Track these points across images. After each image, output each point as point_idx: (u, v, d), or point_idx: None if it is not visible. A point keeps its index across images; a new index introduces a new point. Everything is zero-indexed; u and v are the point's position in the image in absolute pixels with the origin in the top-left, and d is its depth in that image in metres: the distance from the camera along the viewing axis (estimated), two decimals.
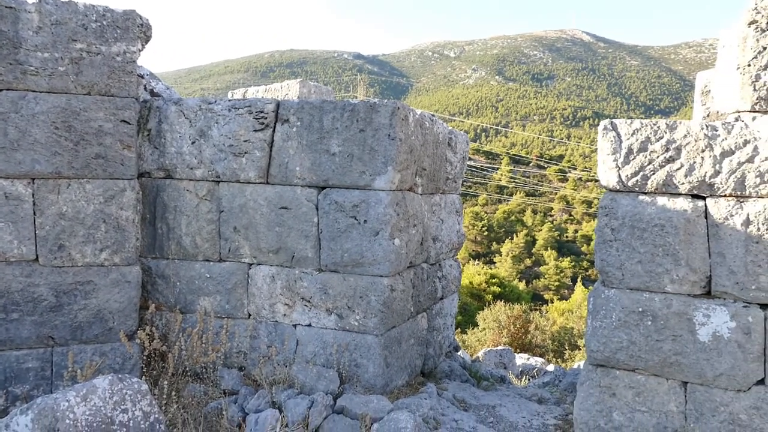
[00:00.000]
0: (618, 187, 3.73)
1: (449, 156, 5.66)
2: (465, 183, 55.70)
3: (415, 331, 5.09)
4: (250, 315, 4.84)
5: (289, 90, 6.68)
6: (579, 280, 34.24)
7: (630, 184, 3.68)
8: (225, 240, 4.83)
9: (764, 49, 3.40)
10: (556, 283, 38.07)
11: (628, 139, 3.67)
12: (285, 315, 4.74)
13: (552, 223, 49.85)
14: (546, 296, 34.02)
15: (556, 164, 62.38)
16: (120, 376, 3.18)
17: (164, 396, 3.91)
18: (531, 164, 64.06)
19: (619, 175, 3.70)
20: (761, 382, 3.47)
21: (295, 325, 4.73)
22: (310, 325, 4.67)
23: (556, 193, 55.23)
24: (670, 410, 3.65)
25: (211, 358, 4.45)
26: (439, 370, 5.58)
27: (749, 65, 3.44)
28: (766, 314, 3.44)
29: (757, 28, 3.42)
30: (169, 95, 5.39)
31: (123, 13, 4.51)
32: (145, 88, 5.23)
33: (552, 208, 53.63)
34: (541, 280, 39.40)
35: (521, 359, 10.84)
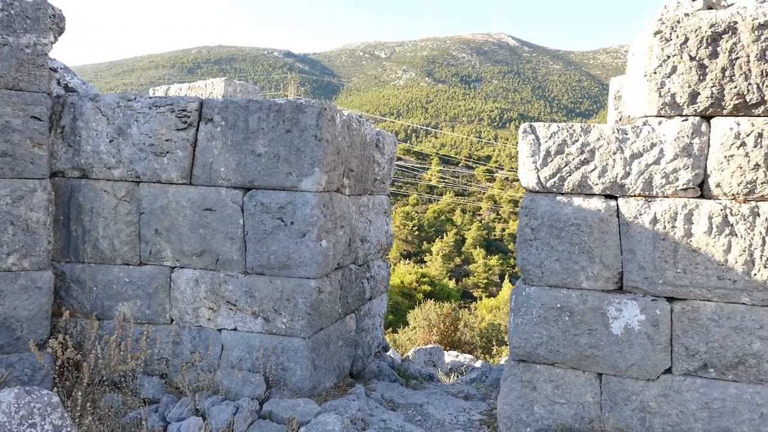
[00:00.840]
0: (537, 188, 3.87)
1: (377, 157, 5.68)
2: (396, 183, 56.21)
3: (344, 332, 5.08)
4: (172, 320, 4.69)
5: (214, 88, 6.50)
6: (507, 277, 35.28)
7: (548, 185, 3.83)
8: (146, 243, 4.65)
9: (668, 57, 3.61)
10: (485, 281, 39.06)
11: (546, 141, 3.81)
12: (209, 319, 4.62)
13: (480, 222, 51.05)
14: (475, 294, 34.82)
15: (484, 164, 63.96)
16: (28, 388, 3.00)
17: (78, 408, 3.72)
18: (460, 164, 65.39)
19: (538, 177, 3.84)
20: (668, 371, 3.69)
21: (220, 330, 4.61)
22: (235, 329, 4.57)
23: (484, 193, 56.61)
24: (586, 401, 3.82)
25: (130, 366, 4.27)
26: (368, 371, 5.59)
27: (655, 73, 3.64)
28: (673, 307, 3.65)
29: (662, 38, 3.62)
30: (85, 90, 5.14)
31: (33, 2, 4.26)
32: (59, 83, 4.95)
33: (480, 208, 54.94)
34: (471, 278, 40.31)
35: (450, 357, 11.03)
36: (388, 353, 7.49)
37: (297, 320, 4.41)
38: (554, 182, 3.81)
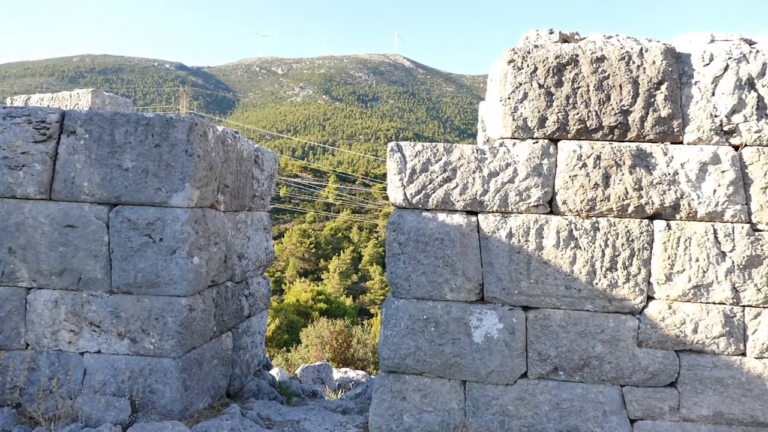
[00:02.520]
0: (404, 205, 4.03)
1: (256, 173, 5.66)
2: (293, 200, 55.71)
3: (219, 351, 4.97)
4: (28, 345, 4.38)
5: (80, 99, 6.16)
6: None
7: (414, 201, 4.00)
8: None
9: (520, 84, 3.91)
10: (381, 297, 39.47)
11: (412, 160, 3.99)
12: (70, 342, 4.36)
13: (377, 239, 51.67)
14: (372, 310, 35.07)
15: (381, 182, 64.99)
16: None
17: None
18: (357, 182, 65.98)
19: (405, 194, 4.00)
20: (524, 375, 3.94)
21: (82, 353, 4.36)
22: (99, 352, 4.35)
23: (380, 210, 57.44)
24: (452, 408, 3.99)
25: None
26: (246, 390, 5.50)
27: (509, 98, 3.93)
28: (527, 315, 3.93)
29: (514, 66, 3.93)
30: None
31: None
32: None
33: (377, 225, 55.64)
34: (367, 294, 40.60)
35: (339, 373, 11.04)
36: (274, 371, 7.40)
37: (166, 340, 4.27)
38: (420, 199, 3.99)
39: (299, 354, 16.54)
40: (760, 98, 3.77)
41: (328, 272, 41.81)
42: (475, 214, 3.99)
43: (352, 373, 11.51)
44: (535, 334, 3.90)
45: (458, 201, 3.96)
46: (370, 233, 53.69)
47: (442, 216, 3.98)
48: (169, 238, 4.25)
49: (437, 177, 3.97)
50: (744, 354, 3.78)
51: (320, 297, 26.24)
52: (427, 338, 3.97)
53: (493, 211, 3.95)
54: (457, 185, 3.95)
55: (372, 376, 10.51)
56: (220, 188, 4.81)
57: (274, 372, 7.41)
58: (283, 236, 46.45)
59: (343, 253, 44.62)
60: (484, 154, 3.95)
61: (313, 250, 46.03)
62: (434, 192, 3.97)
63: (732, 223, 3.78)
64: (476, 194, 3.94)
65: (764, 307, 3.76)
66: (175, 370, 4.28)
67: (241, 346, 5.47)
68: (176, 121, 4.29)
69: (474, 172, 3.94)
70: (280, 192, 53.84)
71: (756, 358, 3.76)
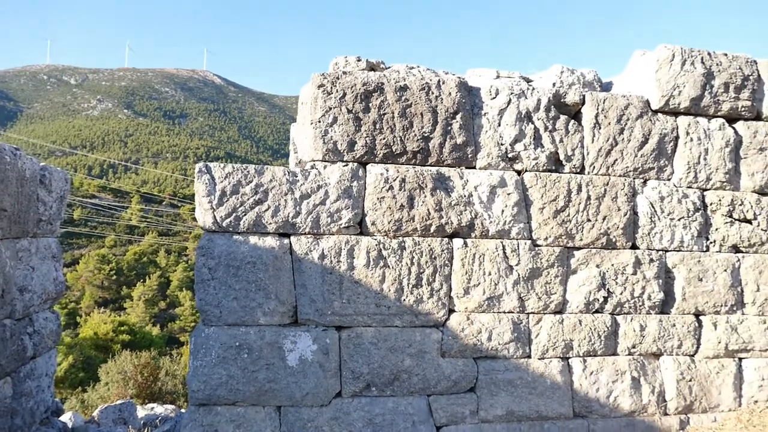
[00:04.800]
0: (214, 228, 3.87)
1: (42, 195, 5.04)
2: (89, 223, 50.66)
3: None
4: None
5: None
6: None
7: (225, 224, 3.86)
8: None
9: (330, 109, 4.01)
10: (192, 324, 37.36)
11: (222, 182, 3.86)
12: None
13: (187, 262, 49.02)
14: (182, 338, 33.04)
15: (190, 203, 61.96)
16: None
17: None
18: (164, 203, 62.17)
19: (215, 216, 3.85)
20: (339, 394, 3.99)
21: None
22: None
23: (190, 232, 54.68)
24: None
25: None
26: None
27: (320, 121, 4.01)
28: (341, 335, 3.99)
29: (324, 90, 4.02)
30: None
31: None
32: None
33: (187, 248, 52.84)
34: (177, 322, 38.20)
35: (145, 410, 10.19)
36: (66, 417, 6.59)
37: None
38: (230, 221, 3.86)
39: (98, 393, 14.96)
40: (536, 130, 4.31)
41: (132, 300, 38.62)
42: (288, 236, 3.97)
43: (160, 409, 10.70)
44: (348, 353, 3.97)
45: (270, 223, 3.91)
46: (179, 256, 50.77)
47: (254, 239, 3.90)
48: None
49: (248, 199, 3.89)
50: (529, 356, 4.24)
51: (122, 328, 24.10)
52: (240, 366, 3.83)
53: (305, 233, 3.97)
54: (269, 207, 3.91)
55: (182, 410, 9.88)
56: None
57: (66, 417, 6.60)
58: (78, 263, 42.00)
59: (149, 278, 41.56)
60: (296, 177, 3.97)
61: (114, 277, 42.21)
62: (245, 214, 3.88)
63: (517, 239, 4.24)
64: (288, 216, 3.93)
65: (544, 313, 4.26)
66: None
67: (23, 392, 4.78)
68: None
69: (286, 194, 3.93)
70: (73, 214, 48.65)
71: (539, 358, 4.24)
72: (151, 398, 14.19)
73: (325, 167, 4.03)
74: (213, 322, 3.86)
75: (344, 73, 4.09)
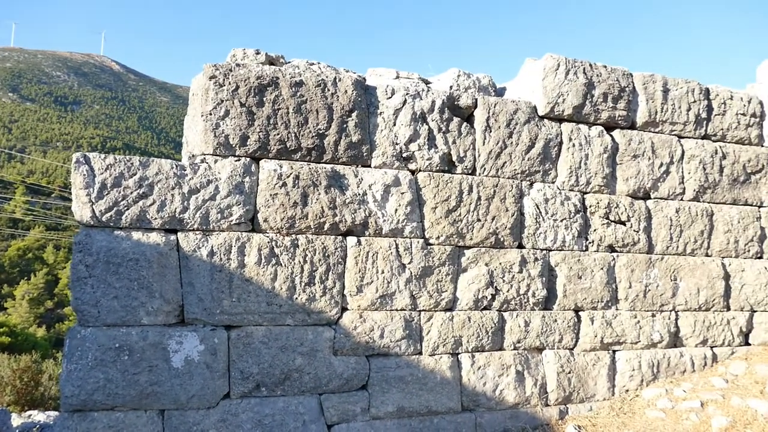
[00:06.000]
0: (93, 223, 3.64)
1: None
2: None
3: None
4: None
5: None
6: None
7: (105, 219, 3.65)
8: None
9: (222, 101, 3.89)
10: None
11: (102, 174, 3.64)
12: None
13: None
14: None
15: None
16: None
17: None
18: (53, 195, 58.01)
19: (93, 210, 3.62)
20: (227, 396, 3.88)
21: None
22: None
23: None
24: None
25: None
26: None
27: (211, 114, 3.87)
28: (230, 335, 3.88)
29: (216, 82, 3.89)
30: None
31: None
32: None
33: None
34: (66, 322, 35.75)
35: (22, 418, 9.47)
36: None
37: None
38: (111, 216, 3.65)
39: None
40: (430, 131, 4.40)
41: (14, 300, 35.78)
42: (175, 232, 3.81)
43: (41, 416, 9.99)
44: (237, 352, 3.87)
45: (156, 218, 3.73)
46: (70, 253, 47.63)
47: (137, 235, 3.70)
48: None
49: (132, 193, 3.69)
50: (421, 353, 4.32)
51: (2, 330, 22.30)
52: (119, 368, 3.63)
53: (194, 230, 3.82)
54: (155, 202, 3.73)
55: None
56: None
57: None
58: None
59: (35, 276, 38.67)
60: (185, 171, 3.81)
61: None
62: (128, 209, 3.68)
63: (410, 238, 4.31)
64: (176, 211, 3.77)
65: (435, 311, 4.36)
66: None
67: None
68: None
69: (173, 188, 3.77)
70: None
71: (429, 355, 4.34)
72: (32, 405, 13.20)
73: (216, 161, 3.90)
74: (90, 322, 3.63)
75: (238, 65, 3.98)
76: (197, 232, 3.82)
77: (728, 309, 5.35)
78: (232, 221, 3.88)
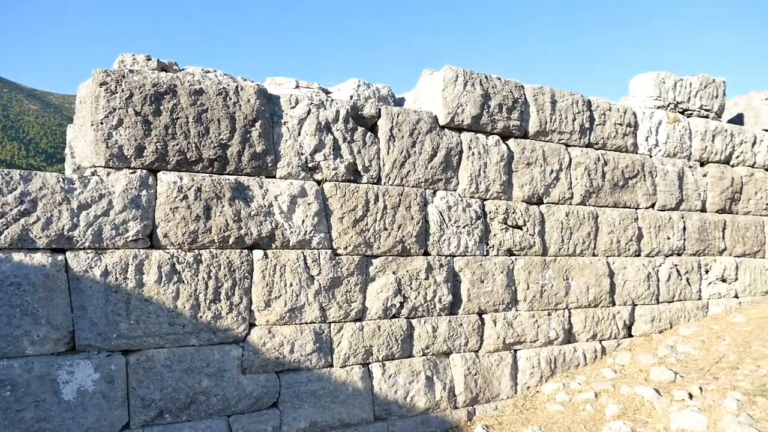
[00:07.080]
0: None
1: None
2: None
3: None
4: None
5: None
6: None
7: None
8: None
9: (115, 110, 3.63)
10: None
11: None
12: None
13: None
14: None
15: None
16: None
17: None
18: None
19: None
20: (127, 426, 3.60)
21: None
22: None
23: None
24: None
25: None
26: None
27: (102, 123, 3.60)
28: (128, 359, 3.61)
29: (107, 89, 3.62)
30: None
31: None
32: None
33: None
34: None
35: None
36: None
37: None
38: None
39: None
40: (335, 140, 4.37)
41: None
42: (64, 251, 3.49)
43: None
44: (137, 378, 3.61)
45: (41, 237, 3.40)
46: None
47: (18, 256, 3.35)
48: None
49: (12, 210, 3.33)
50: (332, 365, 4.26)
51: None
52: (1, 406, 3.26)
53: (85, 248, 3.52)
54: (39, 219, 3.40)
55: None
56: None
57: None
58: None
59: None
60: (73, 185, 3.51)
61: None
62: (7, 228, 3.32)
63: (318, 249, 4.24)
64: (64, 229, 3.46)
65: (345, 322, 4.32)
66: None
67: None
68: None
69: (60, 204, 3.45)
70: None
71: (341, 367, 4.29)
72: None
73: (108, 174, 3.63)
74: None
75: (131, 71, 3.73)
76: (89, 251, 3.53)
77: (614, 304, 5.77)
78: (128, 238, 3.62)
